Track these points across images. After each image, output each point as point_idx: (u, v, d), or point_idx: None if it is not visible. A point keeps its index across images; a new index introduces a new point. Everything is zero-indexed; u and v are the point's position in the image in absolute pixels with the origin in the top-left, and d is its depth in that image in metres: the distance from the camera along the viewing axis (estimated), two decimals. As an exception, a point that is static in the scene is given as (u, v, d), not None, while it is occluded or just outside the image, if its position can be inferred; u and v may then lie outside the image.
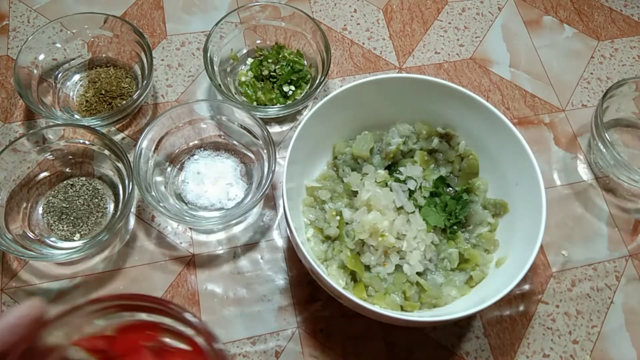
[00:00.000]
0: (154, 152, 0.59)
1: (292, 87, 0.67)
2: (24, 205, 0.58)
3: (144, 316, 0.29)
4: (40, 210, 0.59)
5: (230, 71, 0.69)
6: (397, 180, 0.58)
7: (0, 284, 0.56)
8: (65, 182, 0.60)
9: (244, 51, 0.71)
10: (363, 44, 0.75)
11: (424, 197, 0.58)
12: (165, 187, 0.60)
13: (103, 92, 0.65)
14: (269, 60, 0.68)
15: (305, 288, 0.58)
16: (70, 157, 0.61)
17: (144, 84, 0.62)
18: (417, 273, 0.54)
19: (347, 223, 0.56)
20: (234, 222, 0.60)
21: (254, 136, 0.60)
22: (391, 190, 0.57)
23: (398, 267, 0.54)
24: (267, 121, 0.67)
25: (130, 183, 0.55)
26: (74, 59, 0.67)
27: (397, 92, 0.58)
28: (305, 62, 0.69)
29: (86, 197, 0.60)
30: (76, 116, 0.65)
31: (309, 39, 0.68)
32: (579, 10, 0.82)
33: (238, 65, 0.70)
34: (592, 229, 0.65)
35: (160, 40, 0.73)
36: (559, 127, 0.71)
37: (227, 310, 0.57)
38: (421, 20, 0.78)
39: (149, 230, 0.60)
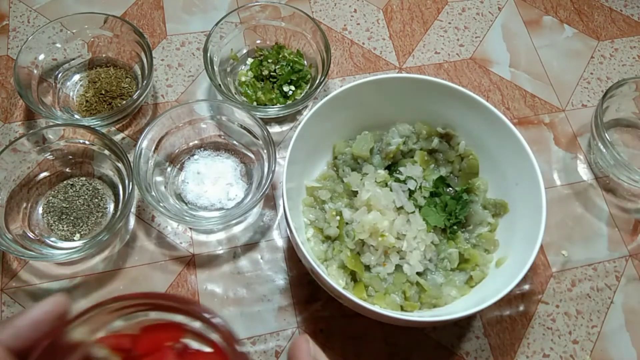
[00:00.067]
0: (154, 152, 0.59)
1: (292, 87, 0.67)
2: (24, 205, 0.58)
3: (167, 316, 0.28)
4: (40, 210, 0.59)
5: (230, 71, 0.69)
6: (397, 180, 0.58)
7: (0, 284, 0.56)
8: (65, 182, 0.60)
9: (244, 51, 0.71)
10: (363, 44, 0.75)
11: (424, 197, 0.58)
12: (165, 187, 0.60)
13: (103, 92, 0.65)
14: (269, 60, 0.68)
15: (305, 288, 0.58)
16: (70, 157, 0.61)
17: (144, 84, 0.62)
18: (417, 273, 0.54)
19: (347, 223, 0.56)
20: (234, 222, 0.60)
21: (254, 136, 0.60)
22: (391, 190, 0.57)
23: (398, 267, 0.54)
24: (267, 121, 0.67)
25: (130, 183, 0.55)
26: (74, 59, 0.67)
27: (397, 92, 0.58)
28: (305, 62, 0.69)
29: (86, 197, 0.60)
30: (76, 116, 0.65)
31: (309, 39, 0.68)
32: (579, 10, 0.82)
33: (238, 65, 0.70)
34: (592, 229, 0.65)
35: (160, 40, 0.73)
36: (559, 127, 0.71)
37: (227, 310, 0.57)
38: (421, 20, 0.78)
39: (149, 230, 0.60)
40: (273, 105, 0.66)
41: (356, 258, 0.53)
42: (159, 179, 0.60)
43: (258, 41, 0.71)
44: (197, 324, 0.28)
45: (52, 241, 0.57)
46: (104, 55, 0.69)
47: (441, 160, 0.61)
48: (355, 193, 0.57)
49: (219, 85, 0.63)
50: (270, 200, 0.63)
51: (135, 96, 0.61)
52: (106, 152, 0.59)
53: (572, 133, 0.71)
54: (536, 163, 0.52)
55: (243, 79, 0.68)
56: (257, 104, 0.66)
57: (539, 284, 0.61)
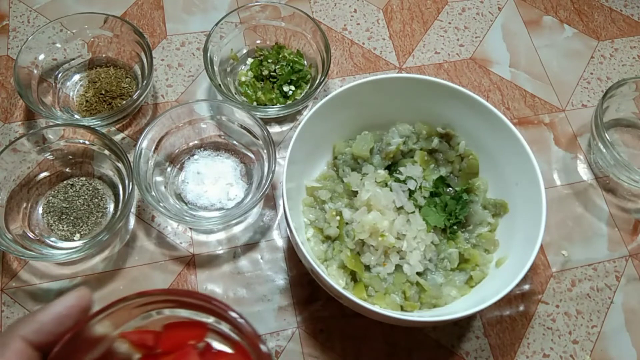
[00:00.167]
0: (154, 152, 0.59)
1: (292, 87, 0.67)
2: (24, 205, 0.58)
3: (190, 314, 0.28)
4: (40, 210, 0.59)
5: (230, 71, 0.69)
6: (397, 180, 0.58)
7: (0, 284, 0.56)
8: (65, 182, 0.60)
9: (244, 51, 0.71)
10: (363, 44, 0.75)
11: (424, 197, 0.58)
12: (165, 187, 0.60)
13: (103, 92, 0.65)
14: (269, 60, 0.68)
15: (305, 288, 0.58)
16: (70, 157, 0.61)
17: (144, 84, 0.62)
18: (417, 273, 0.54)
19: (347, 223, 0.56)
20: (234, 222, 0.60)
21: (254, 136, 0.60)
22: (391, 190, 0.57)
23: (398, 267, 0.54)
24: (267, 121, 0.67)
25: (130, 183, 0.55)
26: (74, 59, 0.67)
27: (397, 92, 0.58)
28: (305, 62, 0.69)
29: (86, 197, 0.60)
30: (76, 116, 0.65)
31: (309, 39, 0.68)
32: (579, 10, 0.82)
33: (238, 65, 0.70)
34: (592, 229, 0.65)
35: (160, 40, 0.73)
36: (559, 127, 0.71)
37: (227, 310, 0.57)
38: (421, 20, 0.78)
39: (149, 230, 0.60)
40: (273, 105, 0.66)
41: (356, 258, 0.53)
42: (159, 179, 0.60)
43: (258, 41, 0.71)
44: (220, 323, 0.28)
45: (52, 241, 0.57)
46: (104, 55, 0.69)
47: (441, 160, 0.61)
48: (355, 193, 0.57)
49: (219, 85, 0.63)
50: (270, 200, 0.63)
51: (135, 96, 0.61)
52: (106, 152, 0.59)
53: (572, 133, 0.71)
54: (536, 163, 0.52)
55: (243, 79, 0.68)
56: (257, 104, 0.66)
57: (539, 284, 0.61)
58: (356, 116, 0.59)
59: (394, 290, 0.53)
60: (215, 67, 0.65)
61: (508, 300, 0.59)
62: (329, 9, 0.78)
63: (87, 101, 0.65)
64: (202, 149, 0.63)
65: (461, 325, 0.58)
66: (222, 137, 0.64)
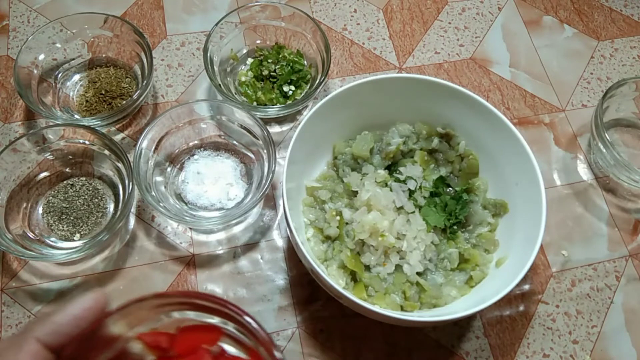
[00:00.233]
0: (154, 152, 0.59)
1: (292, 87, 0.67)
2: (24, 205, 0.58)
3: (205, 317, 0.28)
4: (40, 210, 0.59)
5: (230, 71, 0.69)
6: (397, 180, 0.58)
7: (0, 284, 0.56)
8: (65, 182, 0.60)
9: (244, 51, 0.71)
10: (363, 44, 0.75)
11: (424, 197, 0.58)
12: (165, 187, 0.60)
13: (103, 92, 0.65)
14: (269, 60, 0.68)
15: (305, 288, 0.58)
16: (70, 157, 0.61)
17: (144, 84, 0.62)
18: (417, 273, 0.54)
19: (347, 223, 0.56)
20: (234, 222, 0.60)
21: (254, 136, 0.60)
22: (391, 190, 0.57)
23: (398, 267, 0.54)
24: (267, 121, 0.67)
25: (130, 183, 0.55)
26: (74, 59, 0.67)
27: (397, 92, 0.58)
28: (305, 62, 0.69)
29: (86, 197, 0.60)
30: (76, 116, 0.65)
31: (309, 39, 0.68)
32: (579, 10, 0.82)
33: (238, 65, 0.70)
34: (592, 229, 0.65)
35: (160, 40, 0.73)
36: (559, 127, 0.71)
37: (227, 310, 0.57)
38: (421, 20, 0.78)
39: (149, 230, 0.60)
40: (273, 105, 0.66)
41: (356, 258, 0.53)
42: (159, 179, 0.60)
43: (258, 41, 0.71)
44: (235, 328, 0.27)
45: (52, 241, 0.57)
46: (104, 55, 0.69)
47: (441, 160, 0.61)
48: (355, 193, 0.57)
49: (219, 85, 0.63)
50: (270, 200, 0.63)
51: (135, 96, 0.61)
52: (106, 152, 0.59)
53: (572, 133, 0.71)
54: (536, 163, 0.52)
55: (243, 79, 0.68)
56: (257, 104, 0.66)
57: (539, 284, 0.61)
58: (356, 116, 0.59)
59: (394, 290, 0.53)
60: (215, 67, 0.65)
61: (508, 300, 0.59)
62: (329, 9, 0.78)
63: (87, 101, 0.65)
64: (202, 149, 0.63)
65: (461, 325, 0.58)
66: (222, 137, 0.64)
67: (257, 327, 0.26)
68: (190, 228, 0.61)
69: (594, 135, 0.65)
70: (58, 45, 0.65)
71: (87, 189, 0.60)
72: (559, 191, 0.67)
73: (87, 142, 0.59)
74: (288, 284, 0.58)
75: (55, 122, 0.59)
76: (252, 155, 0.62)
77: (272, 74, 0.67)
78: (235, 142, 0.63)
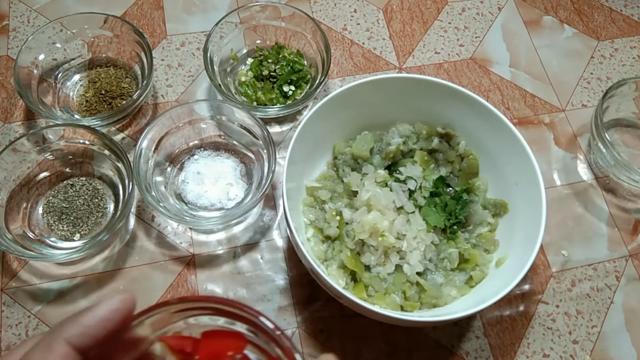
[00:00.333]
0: (154, 152, 0.59)
1: (292, 87, 0.67)
2: (24, 205, 0.58)
3: (229, 324, 0.28)
4: (40, 210, 0.59)
5: (230, 71, 0.69)
6: (397, 180, 0.58)
7: (0, 284, 0.56)
8: (65, 182, 0.60)
9: (244, 51, 0.71)
10: (363, 44, 0.75)
11: (424, 197, 0.58)
12: (165, 187, 0.60)
13: (103, 92, 0.65)
14: (269, 60, 0.68)
15: (305, 288, 0.58)
16: (70, 157, 0.61)
17: (144, 84, 0.62)
18: (417, 273, 0.54)
19: (347, 223, 0.56)
20: (234, 222, 0.60)
21: (254, 136, 0.60)
22: (391, 190, 0.57)
23: (398, 267, 0.54)
24: (267, 121, 0.67)
25: (130, 183, 0.55)
26: (74, 59, 0.67)
27: (397, 92, 0.58)
28: (305, 62, 0.69)
29: (86, 197, 0.60)
30: (76, 116, 0.65)
31: (309, 39, 0.68)
32: (579, 10, 0.82)
33: (238, 65, 0.70)
34: (592, 229, 0.65)
35: (160, 40, 0.73)
36: (559, 127, 0.71)
37: (227, 310, 0.57)
38: (421, 20, 0.78)
39: (149, 230, 0.60)
40: (273, 105, 0.66)
41: (356, 258, 0.53)
42: (159, 179, 0.60)
43: (258, 41, 0.71)
44: (258, 336, 0.27)
45: (52, 241, 0.57)
46: (104, 55, 0.69)
47: (441, 160, 0.61)
48: (355, 193, 0.57)
49: (219, 85, 0.63)
50: (270, 200, 0.63)
51: (135, 96, 0.61)
52: (106, 152, 0.59)
53: (572, 133, 0.71)
54: (536, 163, 0.52)
55: (243, 79, 0.68)
56: (257, 104, 0.66)
57: (539, 284, 0.61)
58: (356, 116, 0.59)
59: (394, 290, 0.53)
60: (215, 67, 0.65)
61: (508, 300, 0.59)
62: (329, 9, 0.78)
63: (87, 101, 0.65)
64: (202, 149, 0.63)
65: (461, 325, 0.58)
66: (222, 137, 0.64)
67: (283, 339, 0.25)
68: (190, 228, 0.61)
69: (594, 135, 0.65)
70: (58, 45, 0.65)
71: (87, 189, 0.60)
72: (559, 191, 0.67)
73: (87, 142, 0.59)
74: (288, 284, 0.58)
75: (55, 122, 0.59)
76: (252, 155, 0.62)
77: (272, 74, 0.67)
78: (235, 142, 0.63)
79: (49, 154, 0.59)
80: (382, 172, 0.58)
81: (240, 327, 0.28)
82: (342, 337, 0.56)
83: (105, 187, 0.61)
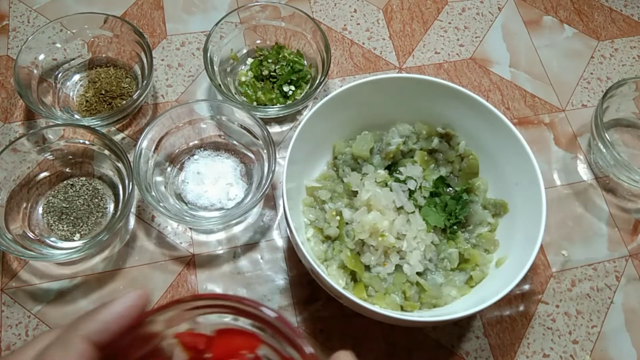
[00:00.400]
0: (154, 152, 0.59)
1: (292, 87, 0.67)
2: (24, 205, 0.58)
3: (244, 323, 0.28)
4: (40, 210, 0.59)
5: (230, 71, 0.69)
6: (397, 180, 0.58)
7: (0, 284, 0.56)
8: (65, 182, 0.60)
9: (244, 51, 0.71)
10: (363, 44, 0.75)
11: (424, 197, 0.58)
12: (165, 187, 0.60)
13: (103, 92, 0.65)
14: (269, 60, 0.68)
15: (305, 288, 0.58)
16: (70, 157, 0.61)
17: (144, 84, 0.62)
18: (417, 273, 0.54)
19: (347, 223, 0.56)
20: (234, 222, 0.60)
21: (254, 136, 0.60)
22: (391, 190, 0.57)
23: (398, 267, 0.54)
24: (267, 121, 0.67)
25: (130, 183, 0.55)
26: (74, 59, 0.67)
27: (397, 92, 0.58)
28: (305, 62, 0.69)
29: (86, 197, 0.60)
30: (76, 116, 0.65)
31: (309, 39, 0.68)
32: (579, 10, 0.82)
33: (238, 65, 0.70)
34: (592, 229, 0.65)
35: (160, 40, 0.73)
36: (559, 127, 0.71)
37: (227, 310, 0.57)
38: (421, 20, 0.78)
39: (149, 230, 0.60)
40: (273, 105, 0.66)
41: (356, 258, 0.53)
42: (159, 179, 0.60)
43: (258, 41, 0.71)
44: (272, 336, 0.27)
45: (52, 241, 0.57)
46: (104, 55, 0.69)
47: (441, 160, 0.61)
48: (355, 193, 0.57)
49: (219, 85, 0.63)
50: (270, 200, 0.63)
51: (135, 96, 0.61)
52: (106, 152, 0.59)
53: (572, 133, 0.71)
54: (536, 163, 0.52)
55: (243, 79, 0.68)
56: (257, 104, 0.66)
57: (539, 284, 0.61)
58: (356, 116, 0.59)
59: (394, 290, 0.53)
60: (215, 67, 0.65)
61: (508, 300, 0.59)
62: (329, 9, 0.78)
63: (87, 101, 0.65)
64: (202, 149, 0.63)
65: (461, 325, 0.58)
66: (222, 137, 0.64)
67: (298, 340, 0.25)
68: (190, 228, 0.61)
69: (594, 135, 0.65)
70: (58, 45, 0.65)
71: (87, 189, 0.60)
72: (559, 191, 0.67)
73: (87, 142, 0.59)
74: (288, 284, 0.58)
75: (55, 122, 0.59)
76: (252, 155, 0.62)
77: (272, 74, 0.67)
78: (235, 142, 0.63)
79: (49, 154, 0.59)
80: (382, 172, 0.58)
81: (254, 326, 0.27)
82: (342, 337, 0.56)
83: (105, 187, 0.61)
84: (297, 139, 0.53)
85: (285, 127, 0.68)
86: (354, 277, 0.54)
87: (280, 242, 0.61)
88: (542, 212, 0.50)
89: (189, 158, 0.63)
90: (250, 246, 0.60)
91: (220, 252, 0.60)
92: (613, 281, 0.62)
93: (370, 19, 0.78)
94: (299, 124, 0.54)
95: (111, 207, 0.60)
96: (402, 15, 0.79)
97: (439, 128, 0.60)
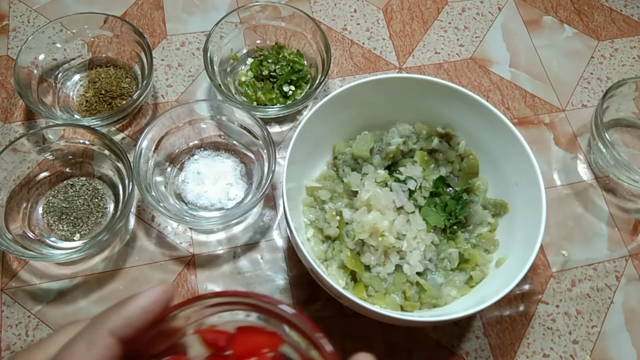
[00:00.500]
0: (154, 152, 0.59)
1: (292, 87, 0.67)
2: (24, 205, 0.58)
3: (265, 322, 0.28)
4: (40, 210, 0.59)
5: (230, 71, 0.69)
6: (397, 180, 0.58)
7: (0, 284, 0.56)
8: (65, 182, 0.60)
9: (244, 51, 0.71)
10: (363, 44, 0.75)
11: (424, 197, 0.58)
12: (165, 187, 0.60)
13: (103, 92, 0.65)
14: (269, 60, 0.68)
15: (305, 288, 0.58)
16: (70, 157, 0.61)
17: (144, 84, 0.62)
18: (417, 273, 0.54)
19: (347, 223, 0.56)
20: (234, 222, 0.60)
21: (254, 136, 0.60)
22: (391, 190, 0.57)
23: (398, 267, 0.54)
24: (267, 121, 0.67)
25: (130, 183, 0.55)
26: (74, 59, 0.67)
27: (397, 92, 0.58)
28: (305, 62, 0.69)
29: (86, 197, 0.60)
30: (76, 116, 0.65)
31: (309, 39, 0.68)
32: (579, 10, 0.82)
33: (238, 65, 0.70)
34: (592, 229, 0.65)
35: (160, 40, 0.73)
36: (559, 127, 0.71)
37: (227, 310, 0.57)
38: (421, 20, 0.78)
39: (149, 230, 0.60)
40: (273, 105, 0.66)
41: (356, 258, 0.53)
42: (159, 179, 0.60)
43: (258, 41, 0.71)
44: (294, 335, 0.27)
45: (52, 241, 0.57)
46: (104, 55, 0.69)
47: (441, 160, 0.61)
48: (355, 193, 0.57)
49: (219, 85, 0.63)
50: (270, 200, 0.63)
51: (135, 96, 0.61)
52: (106, 152, 0.59)
53: (572, 133, 0.71)
54: (536, 163, 0.52)
55: (243, 79, 0.68)
56: (257, 104, 0.66)
57: (539, 284, 0.61)
58: (356, 116, 0.59)
59: (394, 290, 0.53)
60: (215, 67, 0.65)
61: (508, 300, 0.59)
62: (329, 9, 0.78)
63: (87, 101, 0.65)
64: (202, 149, 0.63)
65: (461, 325, 0.58)
66: (222, 137, 0.64)
67: (321, 340, 0.25)
68: (190, 228, 0.61)
69: (594, 135, 0.65)
70: (58, 45, 0.65)
71: (87, 189, 0.60)
72: (559, 191, 0.67)
73: (87, 142, 0.59)
74: (288, 284, 0.58)
75: (55, 122, 0.59)
76: (252, 155, 0.62)
77: (272, 74, 0.67)
78: (235, 142, 0.63)
79: (49, 154, 0.59)
80: (382, 172, 0.58)
81: (276, 325, 0.27)
82: (342, 337, 0.56)
83: (105, 187, 0.61)
84: (297, 139, 0.53)
85: (285, 127, 0.68)
86: (354, 277, 0.54)
87: (280, 242, 0.61)
88: (542, 212, 0.50)
89: (189, 158, 0.63)
90: (250, 246, 0.60)
91: (220, 252, 0.60)
92: (613, 281, 0.62)
93: (370, 19, 0.78)
94: (299, 124, 0.54)
95: (111, 207, 0.60)
96: (402, 15, 0.79)
97: (439, 128, 0.60)
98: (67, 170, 0.61)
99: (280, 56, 0.68)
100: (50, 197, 0.59)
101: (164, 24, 0.74)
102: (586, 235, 0.64)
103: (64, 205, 0.59)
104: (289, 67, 0.67)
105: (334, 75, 0.72)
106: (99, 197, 0.60)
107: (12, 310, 0.55)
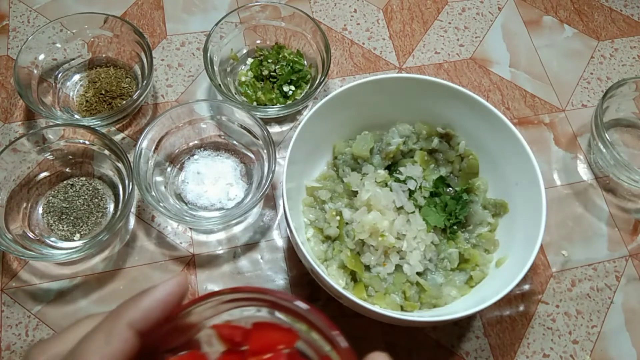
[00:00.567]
0: (154, 152, 0.59)
1: (292, 87, 0.67)
2: (24, 205, 0.58)
3: (281, 319, 0.27)
4: (40, 210, 0.59)
5: (230, 71, 0.69)
6: (397, 180, 0.58)
7: (0, 284, 0.56)
8: (65, 182, 0.60)
9: (244, 51, 0.71)
10: (363, 44, 0.75)
11: (424, 197, 0.58)
12: (165, 187, 0.60)
13: (103, 92, 0.65)
14: (269, 60, 0.68)
15: (305, 288, 0.58)
16: (70, 157, 0.61)
17: (144, 84, 0.62)
18: (417, 273, 0.54)
19: (347, 223, 0.56)
20: (234, 222, 0.60)
21: (254, 136, 0.60)
22: (391, 190, 0.57)
23: (398, 267, 0.54)
24: (267, 121, 0.67)
25: (130, 183, 0.55)
26: (74, 59, 0.67)
27: (397, 92, 0.58)
28: (305, 62, 0.69)
29: (86, 197, 0.60)
30: (76, 116, 0.65)
31: (309, 39, 0.68)
32: (579, 10, 0.82)
33: (238, 65, 0.70)
34: (592, 229, 0.65)
35: (160, 40, 0.73)
36: (559, 127, 0.71)
37: (227, 310, 0.57)
38: (421, 20, 0.78)
39: (149, 230, 0.60)
40: (273, 105, 0.66)
41: (356, 258, 0.53)
42: (159, 179, 0.60)
43: (258, 41, 0.71)
44: (309, 332, 0.27)
45: (52, 241, 0.57)
46: (104, 55, 0.69)
47: (441, 160, 0.61)
48: (355, 193, 0.57)
49: (219, 85, 0.63)
50: (270, 200, 0.63)
51: (135, 96, 0.61)
52: (106, 152, 0.59)
53: (572, 133, 0.71)
54: (536, 163, 0.52)
55: (243, 79, 0.68)
56: (257, 104, 0.66)
57: (539, 284, 0.61)
58: (356, 116, 0.59)
59: (394, 290, 0.53)
60: (215, 67, 0.65)
61: (508, 300, 0.59)
62: (329, 9, 0.78)
63: (87, 101, 0.65)
64: (202, 149, 0.63)
65: (461, 325, 0.58)
66: (222, 137, 0.64)
67: (338, 339, 0.25)
68: (190, 228, 0.61)
69: (594, 135, 0.65)
70: (58, 45, 0.65)
71: (87, 189, 0.60)
72: (559, 191, 0.67)
73: (87, 142, 0.59)
74: (288, 284, 0.58)
75: (55, 122, 0.59)
76: (252, 155, 0.62)
77: (272, 74, 0.67)
78: (235, 142, 0.63)
79: (49, 154, 0.59)
80: (382, 172, 0.58)
81: (291, 321, 0.27)
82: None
83: (105, 187, 0.61)
84: (297, 139, 0.53)
85: (285, 127, 0.68)
86: (354, 277, 0.54)
87: (280, 242, 0.61)
88: (542, 212, 0.50)
89: (189, 158, 0.63)
90: (250, 246, 0.60)
91: (220, 252, 0.60)
92: (613, 281, 0.62)
93: (370, 19, 0.78)
94: (299, 124, 0.54)
95: (111, 207, 0.60)
96: (402, 15, 0.79)
97: (439, 128, 0.60)
98: (67, 170, 0.61)
99: (280, 56, 0.68)
100: (50, 197, 0.59)
101: (164, 24, 0.74)
102: (586, 235, 0.64)
103: (64, 205, 0.59)
104: (289, 67, 0.67)
105: (334, 75, 0.72)
106: (99, 197, 0.60)
107: (12, 310, 0.55)
